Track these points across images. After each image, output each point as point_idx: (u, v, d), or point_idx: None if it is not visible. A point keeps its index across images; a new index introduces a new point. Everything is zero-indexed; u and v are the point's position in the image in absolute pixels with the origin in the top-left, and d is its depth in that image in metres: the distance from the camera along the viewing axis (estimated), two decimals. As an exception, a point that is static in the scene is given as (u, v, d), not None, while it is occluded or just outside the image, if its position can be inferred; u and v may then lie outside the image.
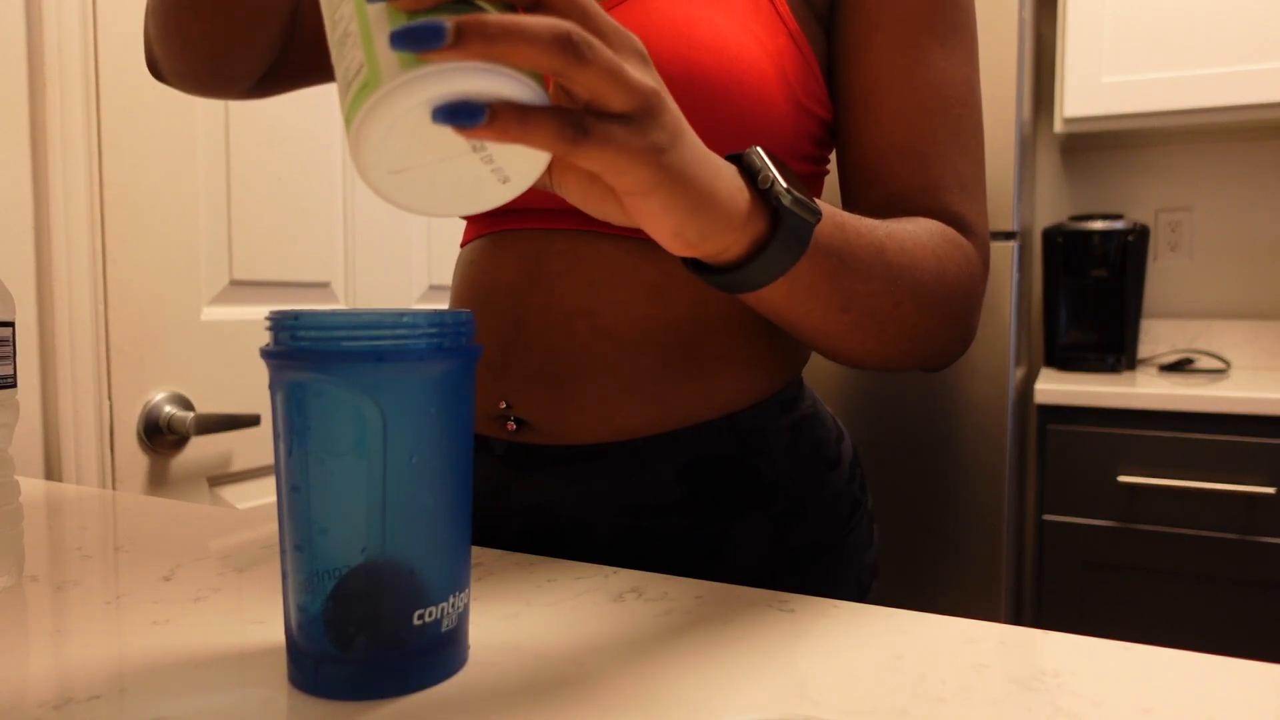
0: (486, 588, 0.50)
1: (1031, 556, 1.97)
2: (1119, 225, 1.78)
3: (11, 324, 0.50)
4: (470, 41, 0.31)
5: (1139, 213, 2.03)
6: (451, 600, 0.37)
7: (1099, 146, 2.05)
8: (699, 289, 0.59)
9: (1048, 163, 2.11)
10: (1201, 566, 1.48)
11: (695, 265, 0.47)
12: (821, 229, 0.46)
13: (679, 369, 0.59)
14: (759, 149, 0.44)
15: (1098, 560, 1.55)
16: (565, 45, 0.32)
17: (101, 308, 1.04)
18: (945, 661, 0.40)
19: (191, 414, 1.11)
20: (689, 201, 0.39)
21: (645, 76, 0.36)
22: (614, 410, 0.59)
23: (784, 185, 0.43)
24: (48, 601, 0.48)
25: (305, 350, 0.35)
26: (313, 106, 1.31)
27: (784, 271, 0.44)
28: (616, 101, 0.35)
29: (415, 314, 0.36)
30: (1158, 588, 1.51)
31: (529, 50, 0.32)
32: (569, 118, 0.33)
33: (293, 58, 0.68)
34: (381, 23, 0.33)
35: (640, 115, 0.36)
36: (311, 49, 0.69)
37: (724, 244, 0.42)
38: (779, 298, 0.47)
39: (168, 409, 1.10)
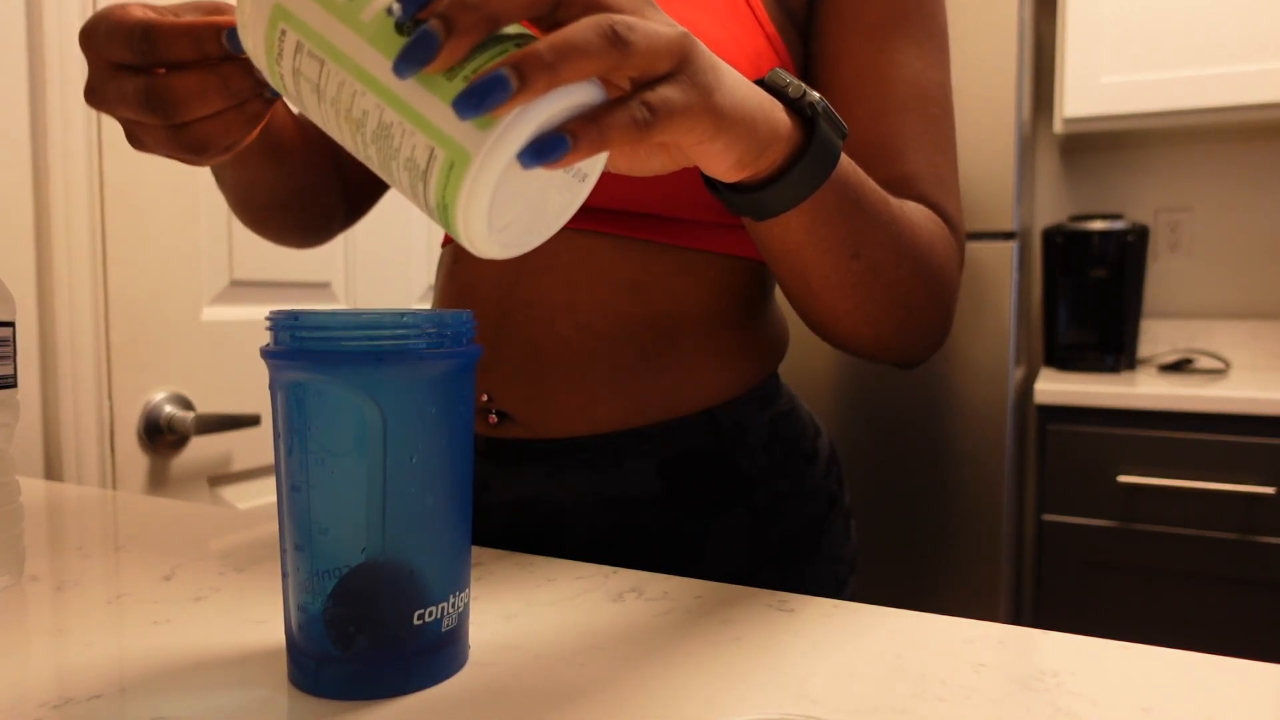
0: (486, 587, 0.50)
1: (1031, 556, 1.97)
2: (1119, 225, 1.78)
3: (12, 324, 0.50)
4: (535, 78, 0.30)
5: (1139, 213, 2.03)
6: (451, 600, 0.37)
7: (1098, 147, 2.05)
8: (673, 287, 0.60)
9: (1047, 163, 2.11)
10: (1201, 566, 1.48)
11: (726, 193, 0.46)
12: (844, 158, 0.46)
13: (656, 363, 0.60)
14: (779, 68, 0.44)
15: (1097, 560, 1.55)
16: (614, 41, 0.32)
17: (102, 307, 1.04)
18: (945, 661, 0.40)
19: (192, 414, 1.11)
20: (744, 128, 0.39)
21: (668, 26, 0.35)
22: (593, 403, 0.60)
23: (818, 95, 0.43)
24: (48, 601, 0.48)
25: (305, 350, 0.35)
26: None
27: (818, 185, 0.44)
28: (661, 65, 0.34)
29: (415, 314, 0.36)
30: (1157, 588, 1.51)
31: (586, 62, 0.31)
32: (633, 107, 0.33)
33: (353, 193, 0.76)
34: (424, 96, 0.31)
35: (683, 66, 0.35)
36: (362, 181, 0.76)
37: (770, 159, 0.42)
38: (802, 228, 0.47)
39: (168, 409, 1.10)
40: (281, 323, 0.36)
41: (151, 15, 0.40)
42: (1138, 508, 1.51)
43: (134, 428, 1.08)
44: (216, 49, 0.39)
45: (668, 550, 0.61)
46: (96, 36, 0.40)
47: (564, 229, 0.59)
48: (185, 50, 0.39)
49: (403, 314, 0.35)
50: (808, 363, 1.63)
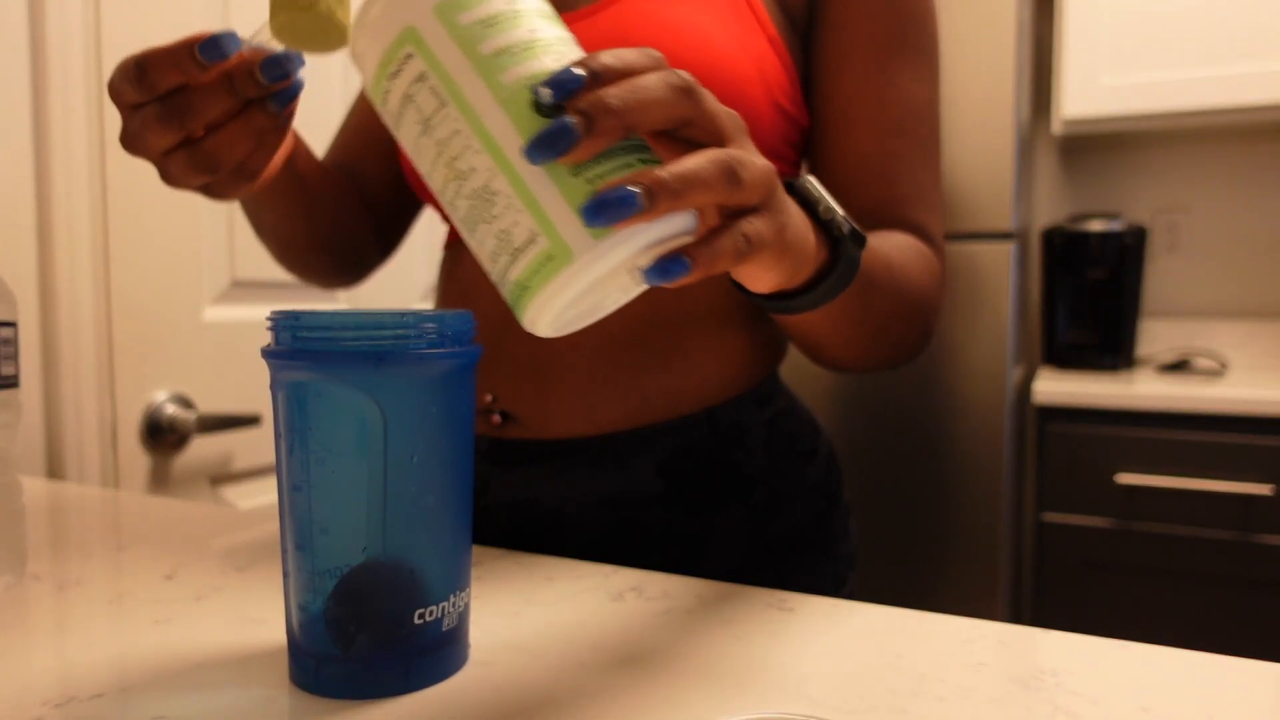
0: (486, 587, 0.50)
1: (1030, 556, 1.98)
2: (1117, 226, 1.78)
3: (14, 324, 0.50)
4: (660, 203, 0.31)
5: (1137, 213, 2.03)
6: (452, 599, 0.37)
7: (1097, 147, 2.05)
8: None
9: (1046, 163, 2.11)
10: (1199, 566, 1.48)
11: (755, 298, 0.47)
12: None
13: (659, 362, 0.60)
14: (810, 177, 0.45)
15: (1096, 560, 1.55)
16: (731, 179, 0.33)
17: (104, 307, 1.04)
18: (945, 661, 0.40)
19: (193, 413, 1.11)
20: (795, 256, 0.40)
21: (759, 156, 0.36)
22: (597, 404, 0.60)
23: (842, 214, 0.45)
24: (50, 600, 0.48)
25: (306, 350, 0.35)
26: (314, 105, 1.31)
27: (841, 291, 0.46)
28: (755, 199, 0.35)
29: (415, 314, 0.36)
30: (1156, 588, 1.51)
31: (706, 195, 0.33)
32: (736, 238, 0.34)
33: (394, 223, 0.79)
34: (544, 184, 0.31)
35: (768, 201, 0.36)
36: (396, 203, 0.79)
37: (802, 276, 0.43)
38: (821, 316, 0.50)
39: (169, 408, 1.10)
40: (282, 323, 0.36)
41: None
42: (1136, 507, 1.51)
43: (135, 427, 1.08)
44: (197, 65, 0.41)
45: (669, 549, 0.61)
46: (115, 81, 0.43)
47: None
48: (183, 58, 0.41)
49: (403, 314, 0.36)
50: (807, 363, 1.64)
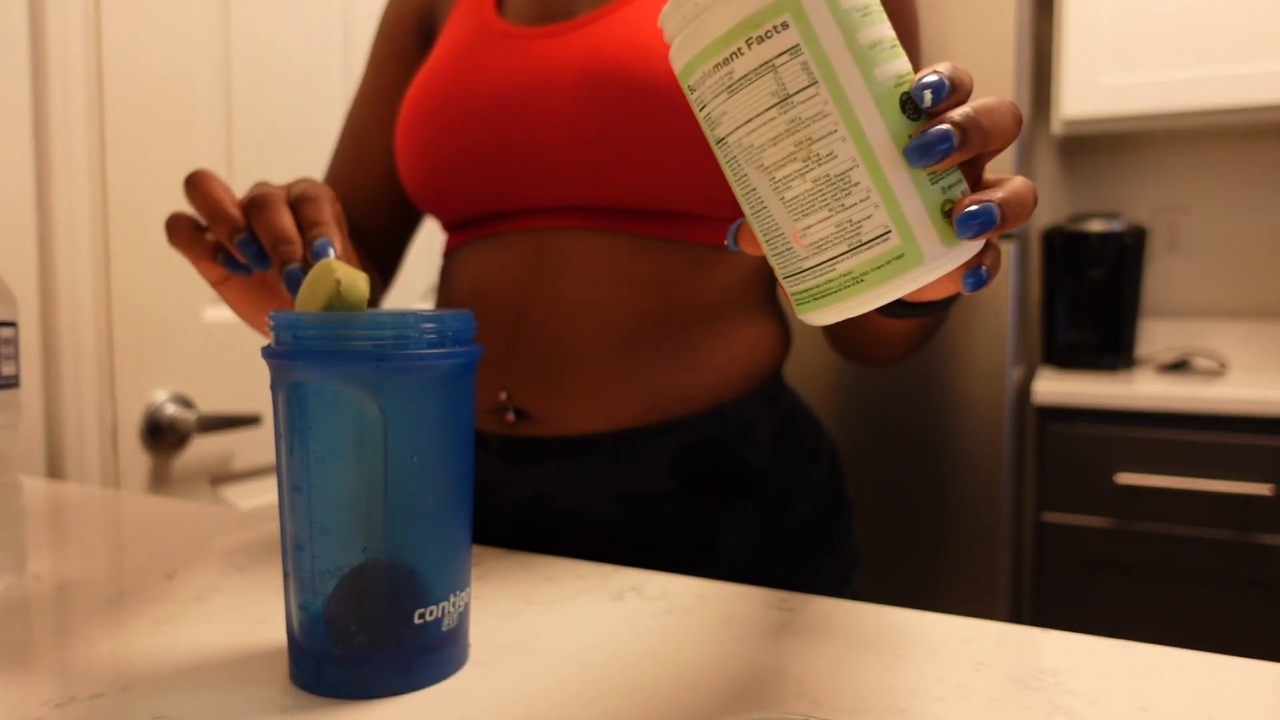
0: (487, 586, 0.50)
1: (1030, 556, 1.98)
2: (1117, 226, 1.78)
3: (14, 324, 0.50)
4: (1008, 222, 0.33)
5: (1137, 213, 2.03)
6: (452, 599, 0.38)
7: (1097, 147, 2.05)
8: (690, 283, 0.61)
9: (1046, 164, 2.11)
10: (1199, 567, 1.48)
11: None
12: None
13: (672, 360, 0.61)
14: None
15: (1096, 560, 1.55)
16: (1035, 203, 0.35)
17: (104, 307, 1.04)
18: (944, 660, 0.40)
19: (193, 413, 1.11)
20: None
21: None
22: (610, 400, 0.60)
23: None
24: (50, 600, 0.48)
25: (306, 350, 0.35)
26: (314, 109, 1.31)
27: (951, 304, 0.46)
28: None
29: (415, 314, 0.36)
30: (1156, 588, 1.51)
31: (1025, 218, 0.34)
32: (999, 250, 0.36)
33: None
34: (906, 185, 0.32)
35: None
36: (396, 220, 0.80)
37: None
38: (920, 323, 0.54)
39: (170, 408, 1.10)
40: (283, 323, 0.36)
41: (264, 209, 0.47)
42: (1136, 507, 1.51)
43: (136, 427, 1.08)
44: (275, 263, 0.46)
45: (678, 546, 0.61)
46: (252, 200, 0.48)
47: (583, 229, 0.61)
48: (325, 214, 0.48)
49: (403, 314, 0.36)
50: (807, 363, 1.64)
